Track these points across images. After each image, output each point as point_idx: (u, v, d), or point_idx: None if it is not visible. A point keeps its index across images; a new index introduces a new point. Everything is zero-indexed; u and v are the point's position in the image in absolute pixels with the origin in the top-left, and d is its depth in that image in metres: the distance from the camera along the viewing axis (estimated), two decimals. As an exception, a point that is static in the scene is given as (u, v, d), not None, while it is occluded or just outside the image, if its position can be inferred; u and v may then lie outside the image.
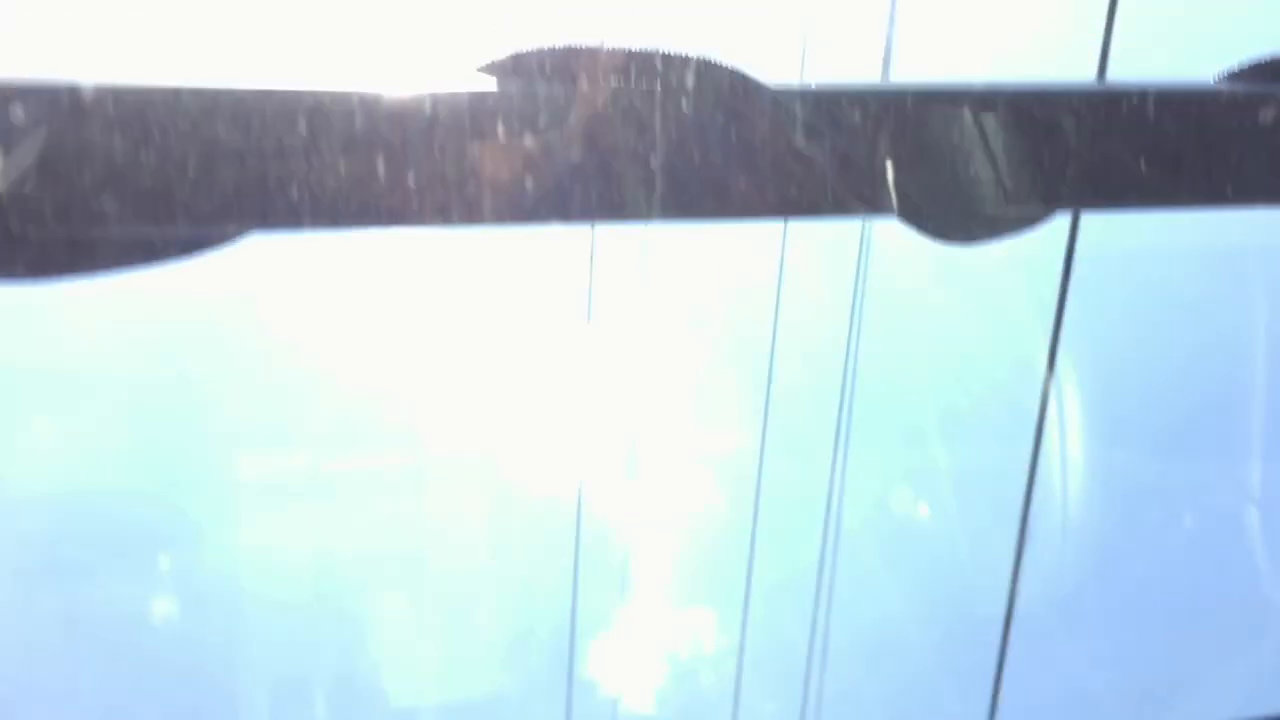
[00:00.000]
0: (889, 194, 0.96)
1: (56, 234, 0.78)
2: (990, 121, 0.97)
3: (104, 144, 0.77)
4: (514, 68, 0.87)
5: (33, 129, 0.76)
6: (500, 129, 0.85)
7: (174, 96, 0.79)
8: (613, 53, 0.88)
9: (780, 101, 0.92)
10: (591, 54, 0.88)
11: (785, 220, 0.97)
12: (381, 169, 0.83)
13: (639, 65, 0.88)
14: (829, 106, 0.93)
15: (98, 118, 0.76)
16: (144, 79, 0.79)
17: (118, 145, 0.77)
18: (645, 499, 4.63)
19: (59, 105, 0.77)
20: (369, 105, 0.82)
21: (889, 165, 0.95)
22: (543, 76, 0.87)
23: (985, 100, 0.97)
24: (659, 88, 0.88)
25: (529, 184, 0.86)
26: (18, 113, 0.76)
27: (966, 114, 0.97)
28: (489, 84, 0.86)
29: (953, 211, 0.99)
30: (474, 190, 0.85)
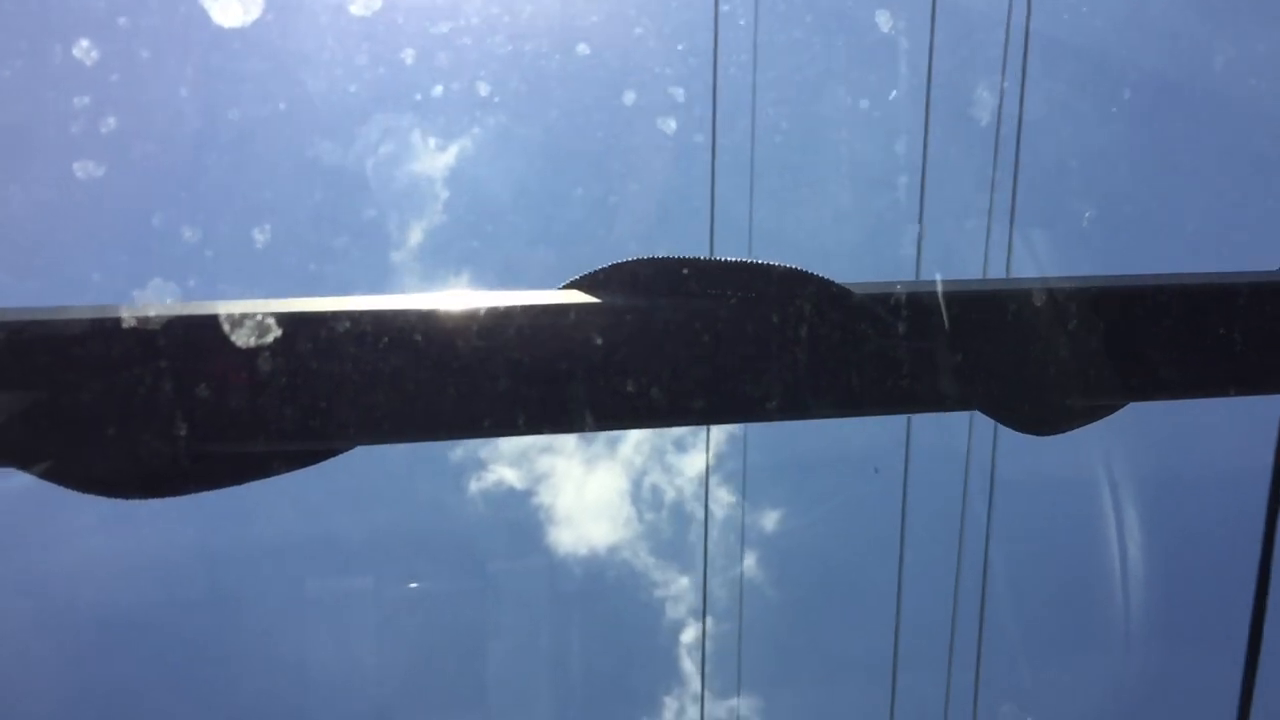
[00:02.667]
0: (971, 388, 1.00)
1: (195, 452, 0.84)
2: (1066, 316, 1.01)
3: (237, 372, 0.84)
4: (617, 282, 0.93)
5: (174, 358, 0.83)
6: (601, 340, 0.90)
7: (294, 324, 0.85)
8: (713, 265, 0.94)
9: (866, 305, 0.96)
10: (693, 267, 0.93)
11: (875, 415, 1.01)
12: (483, 384, 0.88)
13: (735, 276, 0.94)
14: (912, 308, 0.98)
15: (234, 347, 0.84)
16: (273, 306, 0.86)
17: (250, 372, 0.84)
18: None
19: (194, 336, 0.84)
20: (467, 327, 0.88)
21: (970, 361, 0.99)
22: (647, 289, 0.93)
23: (1061, 296, 1.01)
24: (755, 296, 0.94)
25: (633, 391, 0.90)
26: (150, 348, 0.82)
27: (1043, 310, 1.00)
28: (592, 299, 0.92)
29: (1031, 403, 1.03)
30: (581, 398, 0.89)
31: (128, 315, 0.83)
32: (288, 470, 0.87)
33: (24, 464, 0.82)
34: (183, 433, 0.83)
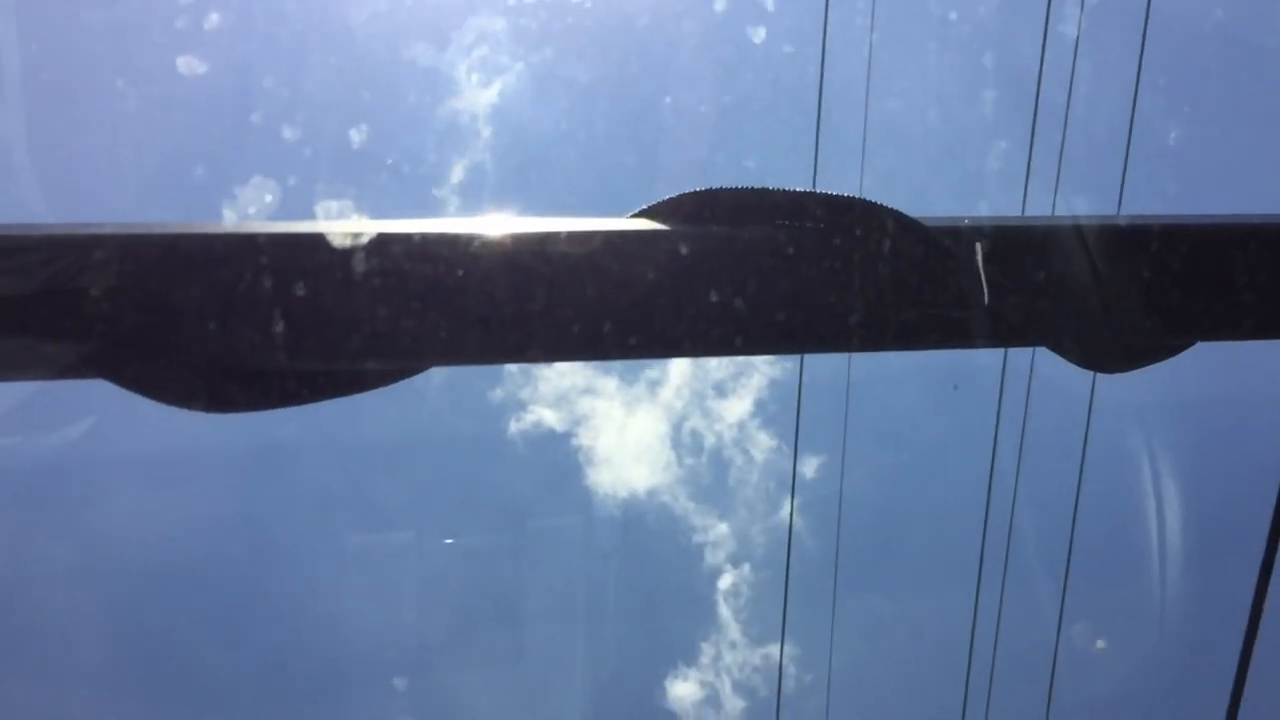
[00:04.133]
0: (1038, 324, 1.01)
1: (280, 369, 0.88)
2: (1135, 254, 1.01)
3: (329, 290, 0.87)
4: (684, 211, 0.94)
5: (255, 279, 0.86)
6: (673, 268, 0.92)
7: (385, 245, 0.88)
8: (779, 195, 0.95)
9: (935, 238, 0.97)
10: (762, 197, 0.95)
11: (939, 349, 1.02)
12: (559, 309, 0.90)
13: (803, 206, 0.95)
14: (981, 242, 0.98)
15: (328, 267, 0.87)
16: (348, 227, 0.88)
17: (341, 291, 0.87)
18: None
19: (291, 254, 0.87)
20: (545, 251, 0.90)
21: (1037, 297, 1.00)
22: (717, 218, 0.95)
23: (1131, 234, 1.01)
24: (823, 227, 0.95)
25: (706, 319, 0.93)
26: (244, 264, 0.86)
27: (1112, 248, 1.00)
28: (660, 229, 0.93)
29: (1099, 341, 1.03)
30: (655, 325, 0.92)
31: (227, 232, 0.86)
32: (374, 387, 0.91)
33: (119, 378, 0.86)
34: (278, 348, 0.86)
